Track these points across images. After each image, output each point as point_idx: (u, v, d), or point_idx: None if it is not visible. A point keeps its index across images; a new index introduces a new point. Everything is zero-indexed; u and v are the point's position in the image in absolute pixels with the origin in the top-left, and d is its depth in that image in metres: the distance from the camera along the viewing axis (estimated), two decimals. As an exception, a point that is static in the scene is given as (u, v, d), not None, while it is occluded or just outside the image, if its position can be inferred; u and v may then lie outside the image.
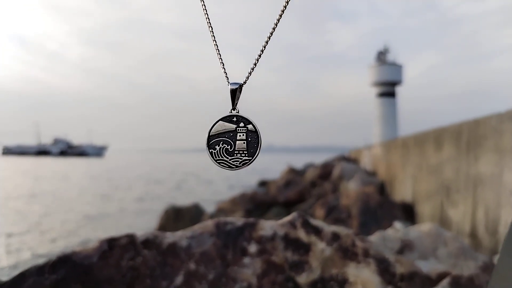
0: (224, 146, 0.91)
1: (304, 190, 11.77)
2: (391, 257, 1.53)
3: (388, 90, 30.70)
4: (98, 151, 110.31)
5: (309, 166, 23.10)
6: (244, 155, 0.91)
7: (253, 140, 0.92)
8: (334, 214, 6.37)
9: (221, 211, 10.54)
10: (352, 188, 8.78)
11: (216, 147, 0.91)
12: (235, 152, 0.91)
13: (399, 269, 1.49)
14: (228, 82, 0.92)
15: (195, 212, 10.60)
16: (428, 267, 1.54)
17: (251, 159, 0.91)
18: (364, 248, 1.53)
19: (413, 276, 1.48)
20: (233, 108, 0.93)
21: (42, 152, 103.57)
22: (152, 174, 37.34)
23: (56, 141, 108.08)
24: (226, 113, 0.94)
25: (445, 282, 1.40)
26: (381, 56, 31.58)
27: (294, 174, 14.93)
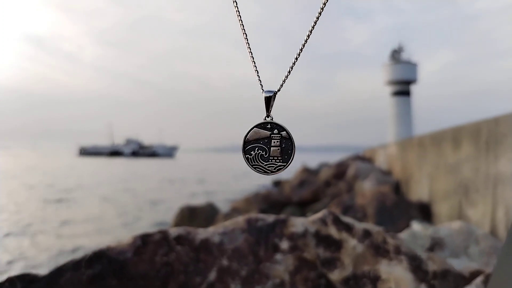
0: (259, 152, 0.96)
1: (318, 190, 11.72)
2: (423, 254, 1.53)
3: (403, 88, 30.41)
4: (169, 152, 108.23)
5: (323, 165, 23.00)
6: (278, 161, 0.95)
7: (287, 146, 0.95)
8: (350, 214, 6.33)
9: (235, 210, 10.57)
10: (367, 187, 8.72)
11: (252, 152, 0.96)
12: (270, 158, 0.95)
13: (432, 266, 1.49)
14: (263, 89, 0.96)
15: (209, 212, 10.65)
16: (460, 265, 1.53)
17: (286, 165, 0.95)
18: (395, 245, 1.53)
19: (446, 274, 1.47)
20: (267, 115, 0.97)
21: (115, 152, 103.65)
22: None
23: (129, 142, 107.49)
24: (261, 120, 0.97)
25: (479, 280, 1.39)
26: (396, 55, 31.29)
27: (308, 174, 14.88)
